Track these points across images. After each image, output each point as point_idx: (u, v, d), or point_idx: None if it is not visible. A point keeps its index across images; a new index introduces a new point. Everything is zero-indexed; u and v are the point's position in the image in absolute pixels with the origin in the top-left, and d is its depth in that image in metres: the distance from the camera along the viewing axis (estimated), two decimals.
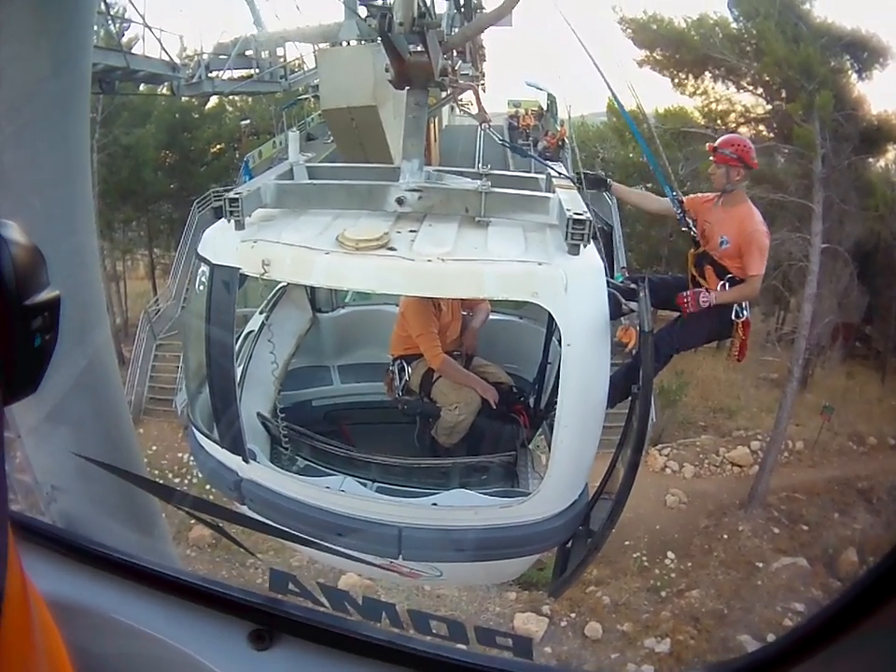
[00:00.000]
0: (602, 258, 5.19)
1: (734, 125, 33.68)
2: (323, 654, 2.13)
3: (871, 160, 32.41)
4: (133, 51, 23.30)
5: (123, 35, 27.01)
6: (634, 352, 5.43)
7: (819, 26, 29.08)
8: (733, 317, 6.18)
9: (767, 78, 30.56)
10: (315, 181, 6.15)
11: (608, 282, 4.99)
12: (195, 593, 2.29)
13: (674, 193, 6.49)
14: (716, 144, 6.34)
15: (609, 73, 6.86)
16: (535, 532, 5.28)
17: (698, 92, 33.41)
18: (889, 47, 28.99)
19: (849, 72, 29.93)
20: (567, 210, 4.81)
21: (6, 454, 1.11)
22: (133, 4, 23.89)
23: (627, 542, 22.56)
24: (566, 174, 6.44)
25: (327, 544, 5.35)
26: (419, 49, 5.66)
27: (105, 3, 21.44)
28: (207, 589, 2.30)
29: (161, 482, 20.78)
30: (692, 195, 6.76)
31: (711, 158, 6.42)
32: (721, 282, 6.16)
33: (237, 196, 5.07)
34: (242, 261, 5.06)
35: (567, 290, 4.61)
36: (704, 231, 6.38)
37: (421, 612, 2.63)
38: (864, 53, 29.15)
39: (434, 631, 2.55)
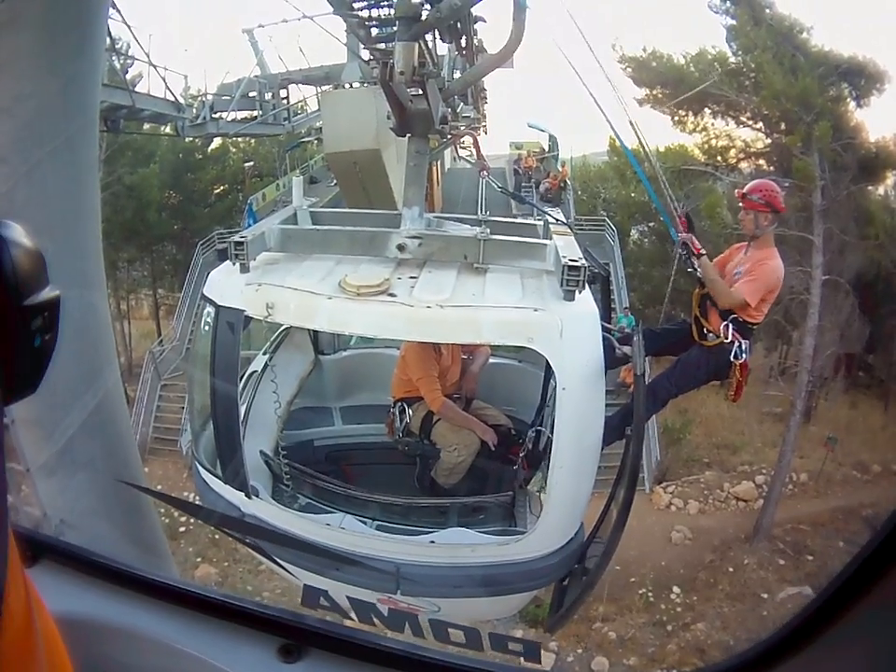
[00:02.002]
0: (599, 302, 5.30)
1: (734, 161, 33.73)
2: (348, 666, 2.19)
3: (870, 188, 32.21)
4: (136, 90, 23.27)
5: (127, 71, 27.06)
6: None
7: (817, 55, 28.97)
8: (731, 358, 6.14)
9: (766, 112, 30.48)
10: (318, 227, 6.27)
11: (602, 327, 5.08)
12: (226, 610, 2.34)
13: (679, 234, 6.54)
14: (745, 190, 6.32)
15: (610, 112, 6.96)
16: (531, 569, 5.36)
17: (698, 129, 33.38)
18: (885, 71, 28.95)
19: (847, 100, 29.81)
20: (563, 257, 4.90)
21: (4, 456, 1.16)
22: (137, 41, 23.90)
23: (633, 579, 22.42)
24: (562, 219, 6.54)
25: (332, 570, 5.41)
26: (418, 93, 5.78)
27: (111, 38, 21.44)
28: (238, 606, 2.35)
29: (167, 521, 20.81)
30: (723, 254, 6.80)
31: (740, 204, 6.42)
32: (725, 322, 6.12)
33: (242, 240, 5.21)
34: (246, 304, 5.18)
35: (562, 336, 4.71)
36: (727, 279, 6.36)
37: (440, 621, 2.72)
38: (861, 80, 29.01)
39: (452, 639, 2.65)
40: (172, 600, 2.42)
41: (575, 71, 6.79)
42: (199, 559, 22.41)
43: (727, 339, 6.11)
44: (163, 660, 2.31)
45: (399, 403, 7.03)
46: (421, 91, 5.74)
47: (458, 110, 11.51)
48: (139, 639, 2.33)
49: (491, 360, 7.75)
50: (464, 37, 8.45)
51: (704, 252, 6.23)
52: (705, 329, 6.34)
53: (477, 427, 6.74)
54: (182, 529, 22.70)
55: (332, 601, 2.90)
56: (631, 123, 7.19)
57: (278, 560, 6.06)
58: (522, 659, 2.72)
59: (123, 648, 2.33)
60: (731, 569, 23.87)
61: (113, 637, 2.33)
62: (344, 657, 2.22)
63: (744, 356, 6.17)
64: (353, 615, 2.99)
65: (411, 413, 6.96)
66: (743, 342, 6.15)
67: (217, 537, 22.21)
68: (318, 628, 2.30)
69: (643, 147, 8.09)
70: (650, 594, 22.52)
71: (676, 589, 22.90)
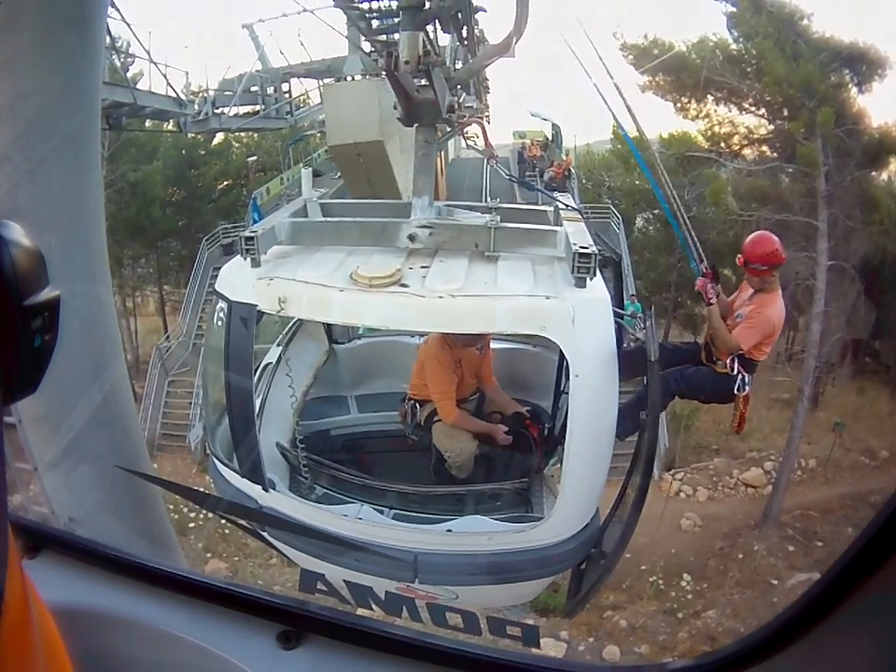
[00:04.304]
0: (611, 287, 5.31)
1: (737, 147, 33.64)
2: (347, 652, 2.19)
3: (873, 173, 32.08)
4: (138, 87, 23.30)
5: (128, 69, 27.07)
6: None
7: (818, 42, 28.98)
8: (735, 391, 6.36)
9: (769, 98, 30.43)
10: (329, 219, 6.27)
11: (614, 312, 5.10)
12: (225, 597, 2.35)
13: (701, 265, 6.60)
14: (745, 258, 6.38)
15: (612, 100, 6.98)
16: (547, 556, 5.39)
17: (701, 116, 33.31)
18: (886, 57, 28.90)
19: (849, 86, 29.75)
20: (574, 244, 4.91)
21: (5, 458, 1.16)
22: (137, 38, 23.94)
23: (643, 567, 22.43)
24: (572, 205, 6.54)
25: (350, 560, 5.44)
26: (424, 83, 5.79)
27: (111, 37, 21.45)
28: (237, 593, 2.36)
29: (176, 516, 20.84)
30: (733, 296, 6.88)
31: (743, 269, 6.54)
32: (731, 356, 6.31)
33: (253, 234, 5.19)
34: (259, 298, 5.19)
35: (574, 323, 4.73)
36: (731, 319, 6.55)
37: (438, 605, 2.71)
38: (863, 66, 28.96)
39: (450, 623, 2.65)
40: (171, 588, 2.43)
41: (579, 61, 6.83)
42: (208, 555, 22.43)
43: (733, 371, 6.30)
44: (163, 648, 2.33)
45: (412, 401, 7.05)
46: (427, 81, 5.74)
47: (461, 100, 11.46)
48: (138, 628, 2.35)
49: (505, 346, 7.83)
50: (465, 28, 8.48)
51: (714, 302, 6.31)
52: (714, 357, 6.52)
53: (491, 430, 6.76)
54: (191, 525, 22.70)
55: (330, 586, 2.90)
56: (630, 112, 7.23)
57: (281, 548, 6.10)
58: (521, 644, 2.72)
59: (123, 637, 2.35)
60: (741, 556, 23.87)
61: (112, 626, 2.35)
62: (344, 643, 2.23)
63: (746, 388, 6.38)
64: (350, 600, 2.99)
65: (420, 411, 6.98)
66: (746, 375, 6.35)
67: (226, 532, 22.22)
68: (318, 614, 2.31)
69: (642, 136, 8.13)
70: (660, 581, 22.55)
71: (686, 576, 22.93)
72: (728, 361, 6.30)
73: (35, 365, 1.28)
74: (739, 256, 6.49)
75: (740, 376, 6.29)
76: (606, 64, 7.20)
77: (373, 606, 2.99)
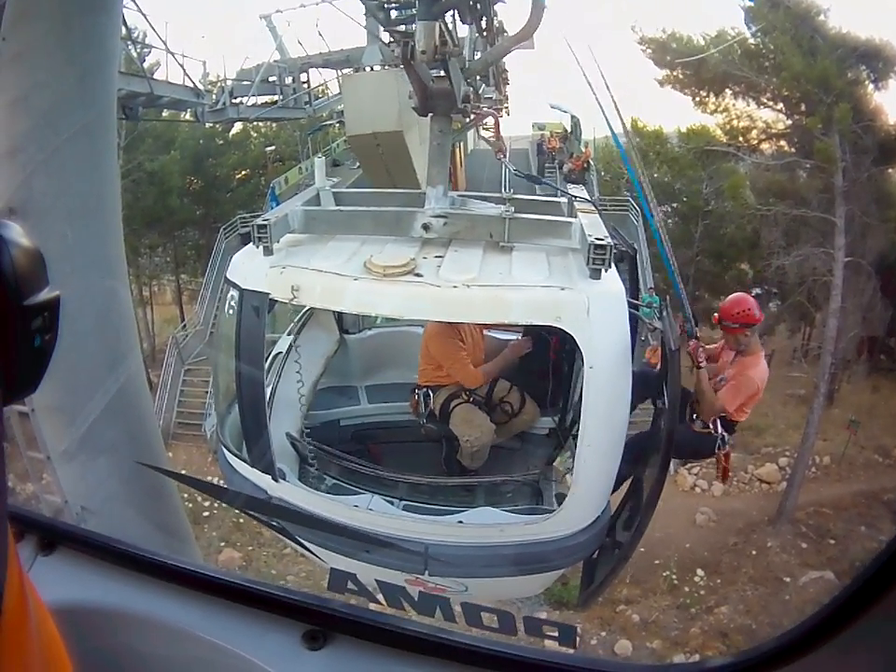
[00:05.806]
0: (627, 279, 5.29)
1: (755, 141, 33.57)
2: (374, 651, 2.15)
3: (890, 170, 32.05)
4: (154, 77, 23.25)
5: (144, 60, 27.01)
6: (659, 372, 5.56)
7: (835, 38, 28.91)
8: (716, 449, 6.53)
9: (786, 93, 30.43)
10: (342, 208, 6.23)
11: (629, 303, 5.07)
12: (248, 596, 2.30)
13: (695, 328, 6.63)
14: (719, 315, 6.46)
15: (621, 95, 6.96)
16: (559, 548, 5.35)
17: (719, 110, 33.32)
18: None
19: (866, 82, 29.70)
20: (589, 235, 4.89)
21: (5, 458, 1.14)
22: (154, 29, 23.92)
23: (657, 561, 22.44)
24: (585, 197, 6.51)
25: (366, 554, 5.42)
26: (441, 73, 5.76)
27: (127, 27, 21.39)
28: (261, 592, 2.31)
29: (190, 505, 20.88)
30: (717, 345, 6.92)
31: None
32: (715, 418, 6.43)
33: (266, 222, 5.17)
34: (271, 287, 5.16)
35: (589, 314, 4.70)
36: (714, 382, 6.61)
37: (473, 604, 2.67)
38: (879, 63, 28.92)
39: (485, 623, 2.62)
40: (192, 586, 2.39)
41: (577, 62, 6.79)
42: (222, 544, 22.48)
43: (715, 432, 6.45)
44: (183, 648, 2.30)
45: (424, 389, 7.00)
46: (443, 71, 5.73)
47: (480, 91, 11.45)
48: (159, 627, 2.31)
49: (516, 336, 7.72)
50: (484, 18, 8.44)
51: (703, 364, 6.28)
52: (695, 416, 6.56)
53: (514, 350, 7.01)
54: (206, 514, 22.80)
55: (360, 585, 2.87)
56: (618, 113, 7.23)
57: (303, 542, 6.06)
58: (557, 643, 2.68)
59: (142, 636, 2.32)
60: (754, 552, 23.91)
61: (132, 624, 2.31)
62: (371, 642, 2.19)
63: (727, 446, 6.60)
64: (381, 599, 2.95)
65: (433, 398, 6.94)
66: (727, 435, 6.53)
67: (240, 521, 22.30)
68: (344, 613, 2.26)
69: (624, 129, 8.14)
70: (674, 576, 22.58)
71: (700, 572, 22.94)
72: (711, 423, 6.42)
73: (34, 365, 1.27)
74: (715, 315, 6.57)
75: (720, 436, 6.46)
76: (600, 67, 7.17)
77: (406, 605, 2.95)
